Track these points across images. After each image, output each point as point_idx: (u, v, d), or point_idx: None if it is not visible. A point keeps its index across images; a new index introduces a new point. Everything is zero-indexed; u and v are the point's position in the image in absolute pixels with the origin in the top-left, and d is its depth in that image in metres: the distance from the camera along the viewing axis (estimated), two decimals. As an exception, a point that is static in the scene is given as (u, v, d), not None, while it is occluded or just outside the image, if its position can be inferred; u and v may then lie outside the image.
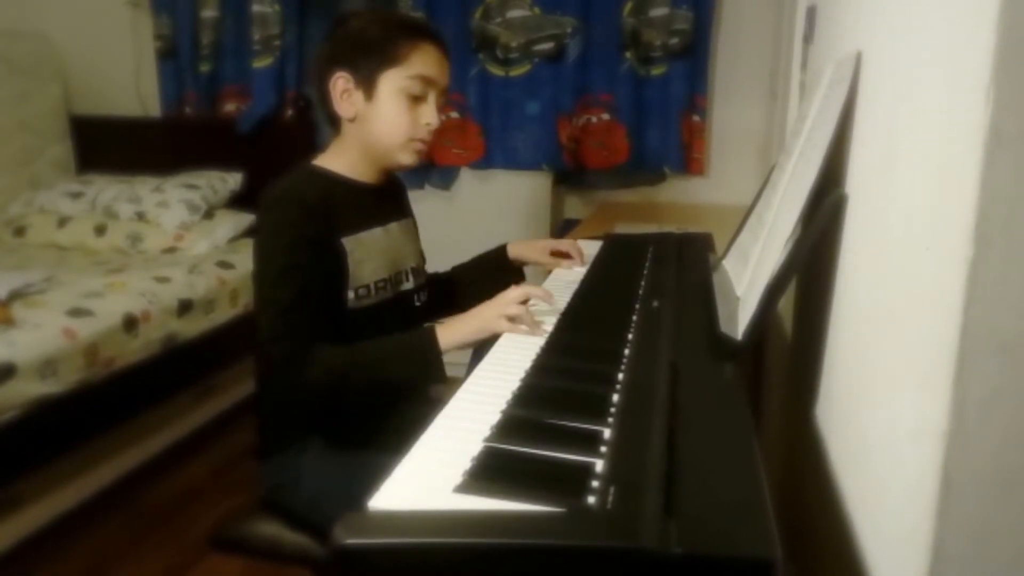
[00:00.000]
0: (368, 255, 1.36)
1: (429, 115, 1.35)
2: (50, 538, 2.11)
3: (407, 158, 1.38)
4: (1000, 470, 0.52)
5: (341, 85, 1.33)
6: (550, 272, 1.60)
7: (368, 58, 1.31)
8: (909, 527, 0.59)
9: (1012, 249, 0.49)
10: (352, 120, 1.35)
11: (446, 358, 1.23)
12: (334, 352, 1.24)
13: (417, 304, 1.49)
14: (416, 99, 1.33)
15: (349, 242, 1.33)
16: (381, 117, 1.33)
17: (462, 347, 1.25)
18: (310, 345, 1.23)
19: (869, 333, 0.79)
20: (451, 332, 1.24)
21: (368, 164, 1.40)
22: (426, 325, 1.28)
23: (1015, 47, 0.47)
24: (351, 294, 1.33)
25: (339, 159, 1.39)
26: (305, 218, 1.27)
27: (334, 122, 1.39)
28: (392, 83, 1.32)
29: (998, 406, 0.52)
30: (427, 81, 1.33)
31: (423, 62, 1.32)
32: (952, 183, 0.54)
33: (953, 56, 0.57)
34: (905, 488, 0.61)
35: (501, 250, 1.67)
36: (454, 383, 0.95)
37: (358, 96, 1.33)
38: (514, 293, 1.22)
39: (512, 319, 1.18)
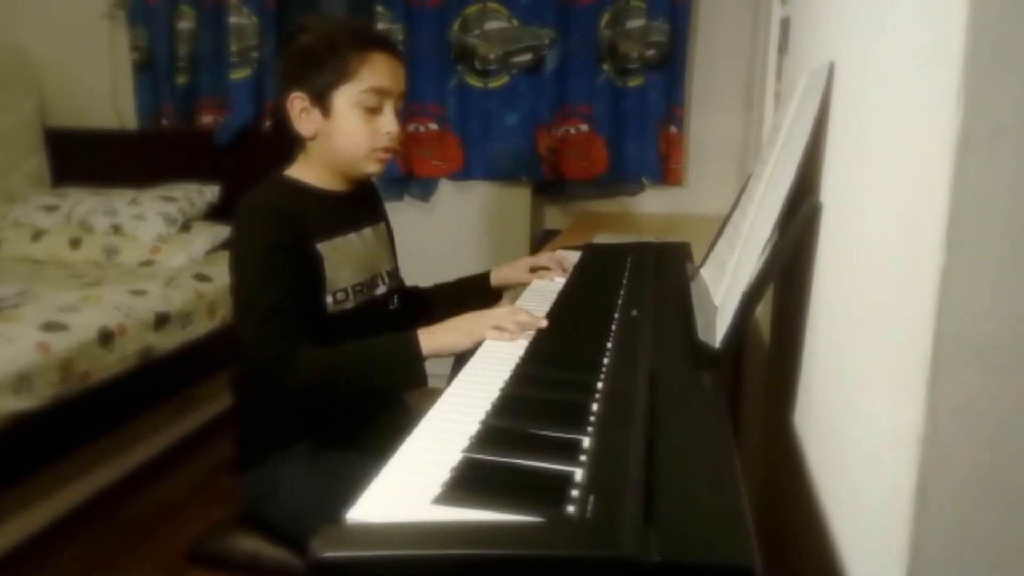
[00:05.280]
0: (343, 260, 1.37)
1: (388, 124, 1.36)
2: (26, 555, 2.07)
3: (372, 167, 1.39)
4: (975, 475, 0.53)
5: (298, 105, 1.34)
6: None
7: (319, 77, 1.32)
8: (886, 532, 0.59)
9: (984, 254, 0.50)
10: (313, 138, 1.37)
11: (428, 365, 1.24)
12: (318, 354, 1.25)
13: (392, 308, 1.50)
14: (373, 110, 1.34)
15: (324, 247, 1.34)
16: (341, 132, 1.34)
17: (443, 355, 1.25)
18: (294, 348, 1.23)
19: (845, 340, 0.79)
20: (433, 338, 1.25)
21: (335, 175, 1.41)
22: (409, 330, 1.28)
23: (983, 52, 0.48)
24: (329, 299, 1.34)
25: (307, 171, 1.40)
26: (279, 225, 1.29)
27: (298, 138, 1.39)
28: (346, 99, 1.33)
29: (973, 411, 0.52)
30: (381, 92, 1.34)
31: (374, 74, 1.33)
32: (924, 189, 0.54)
33: (923, 63, 0.58)
34: (882, 493, 0.61)
35: (484, 276, 1.68)
36: (434, 393, 0.95)
37: (316, 114, 1.34)
38: (504, 313, 1.22)
39: (497, 329, 1.18)
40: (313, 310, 1.32)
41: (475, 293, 1.66)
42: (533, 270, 1.65)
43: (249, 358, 1.26)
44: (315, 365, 1.23)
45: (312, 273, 1.32)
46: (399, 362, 1.25)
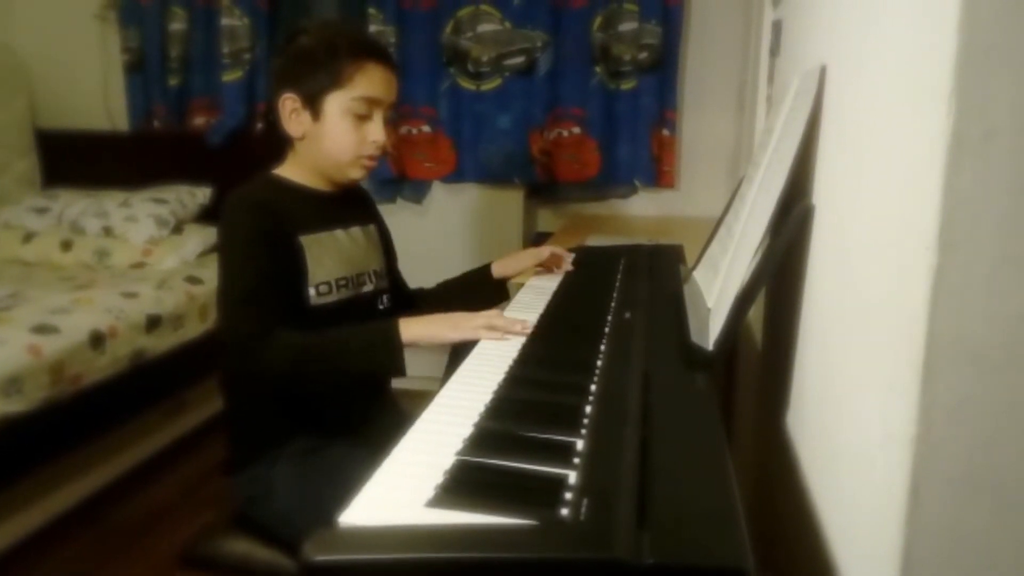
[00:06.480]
0: (326, 253, 1.38)
1: (375, 132, 1.37)
2: (17, 559, 2.06)
3: (356, 173, 1.41)
4: (968, 476, 0.53)
5: (289, 106, 1.36)
6: (524, 283, 1.61)
7: (313, 80, 1.34)
8: (879, 532, 0.59)
9: (976, 255, 0.50)
10: (301, 139, 1.38)
11: (417, 359, 1.25)
12: (293, 336, 1.25)
13: (381, 307, 1.50)
14: (362, 117, 1.36)
15: (306, 240, 1.35)
16: (329, 137, 1.36)
17: (424, 344, 1.26)
18: (269, 331, 1.24)
19: (838, 341, 0.79)
20: (415, 327, 1.26)
21: (321, 177, 1.43)
22: (392, 318, 1.28)
23: (975, 55, 0.48)
24: (312, 291, 1.35)
25: (294, 170, 1.42)
26: (260, 216, 1.31)
27: (287, 137, 1.41)
28: (337, 104, 1.34)
29: (966, 412, 0.52)
30: (372, 101, 1.36)
31: (367, 83, 1.35)
32: (916, 190, 0.55)
33: (915, 66, 0.58)
34: (874, 494, 0.61)
35: (485, 269, 1.68)
36: (427, 395, 0.94)
37: (306, 116, 1.36)
38: (495, 315, 1.24)
39: (488, 328, 1.20)
40: (294, 300, 1.33)
41: (479, 286, 1.66)
42: (540, 266, 1.66)
43: (223, 338, 1.27)
44: (289, 346, 1.24)
45: (293, 263, 1.33)
46: (375, 346, 1.26)
